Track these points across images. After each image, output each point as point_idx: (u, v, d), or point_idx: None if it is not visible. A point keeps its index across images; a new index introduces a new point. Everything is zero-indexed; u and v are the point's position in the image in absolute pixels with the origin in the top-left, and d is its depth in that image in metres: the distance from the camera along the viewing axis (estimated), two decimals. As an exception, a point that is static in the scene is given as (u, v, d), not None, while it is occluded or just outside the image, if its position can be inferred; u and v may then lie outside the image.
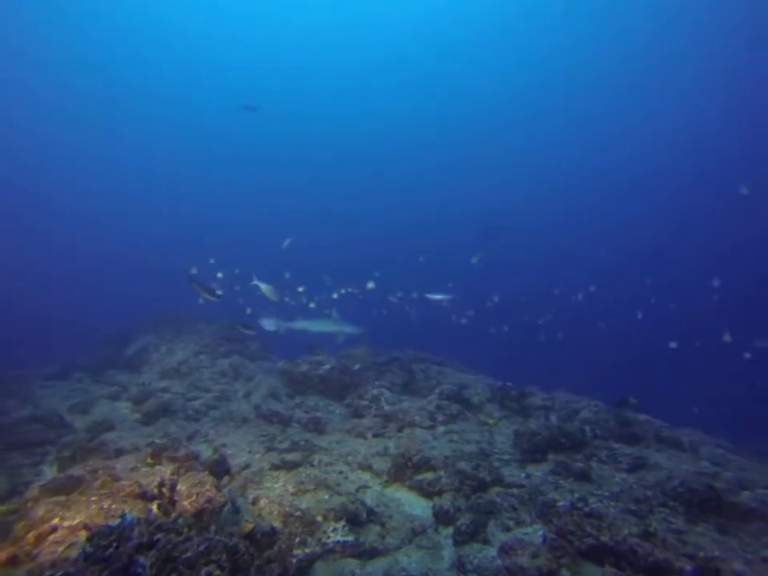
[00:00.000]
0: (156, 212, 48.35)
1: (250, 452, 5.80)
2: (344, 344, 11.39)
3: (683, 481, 5.05)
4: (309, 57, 44.29)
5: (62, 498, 3.95)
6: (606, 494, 5.06)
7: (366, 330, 11.28)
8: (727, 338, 8.52)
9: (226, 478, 4.85)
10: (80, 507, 3.62)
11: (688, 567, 3.28)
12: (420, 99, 46.15)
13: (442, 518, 4.82)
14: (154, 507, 3.51)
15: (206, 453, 5.52)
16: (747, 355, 10.02)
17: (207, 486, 3.61)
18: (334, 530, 3.89)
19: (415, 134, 48.36)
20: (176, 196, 50.38)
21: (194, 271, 9.99)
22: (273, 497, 4.29)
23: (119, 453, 5.93)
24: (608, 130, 42.16)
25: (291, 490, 4.43)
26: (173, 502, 3.56)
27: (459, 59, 41.64)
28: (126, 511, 3.45)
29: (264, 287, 7.76)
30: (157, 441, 6.04)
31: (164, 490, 3.67)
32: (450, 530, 4.62)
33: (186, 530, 2.66)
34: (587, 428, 7.13)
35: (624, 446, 6.32)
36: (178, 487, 3.71)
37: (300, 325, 11.40)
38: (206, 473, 4.00)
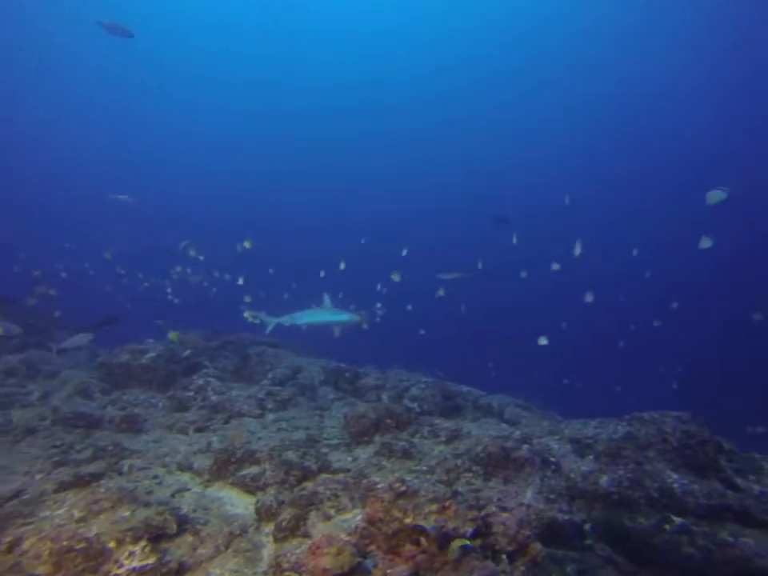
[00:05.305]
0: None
1: (27, 473, 4.76)
2: (345, 335, 9.76)
3: (485, 446, 5.70)
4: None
5: None
6: (424, 468, 5.46)
7: (368, 316, 9.79)
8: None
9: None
10: None
11: (469, 529, 3.65)
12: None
13: (265, 514, 4.66)
14: None
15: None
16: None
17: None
18: (131, 554, 3.41)
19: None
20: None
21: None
22: (47, 530, 3.53)
23: None
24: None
25: (78, 514, 3.75)
26: None
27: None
28: None
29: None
30: None
31: None
32: (272, 526, 4.51)
33: None
34: (415, 405, 7.68)
35: (444, 420, 6.91)
36: None
37: (288, 318, 9.74)
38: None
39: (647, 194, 39.20)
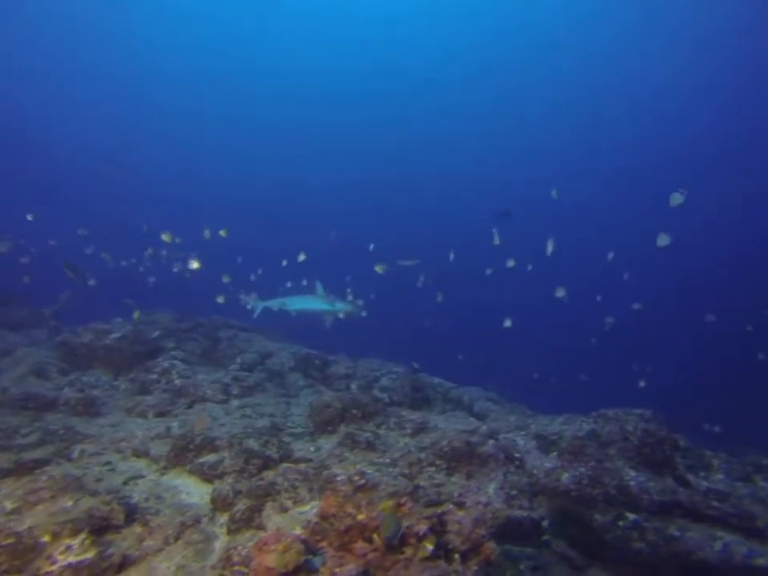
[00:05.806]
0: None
1: (-41, 461, 4.51)
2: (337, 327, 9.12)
3: (450, 440, 5.65)
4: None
5: None
6: (387, 461, 5.38)
7: (367, 307, 9.22)
8: None
9: None
10: None
11: (424, 527, 3.57)
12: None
13: (220, 504, 4.54)
14: None
15: None
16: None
17: None
18: (67, 548, 3.23)
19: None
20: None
21: None
22: (-30, 525, 3.35)
23: None
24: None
25: (10, 506, 3.54)
26: None
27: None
28: None
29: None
30: None
31: None
32: (227, 517, 4.39)
33: None
34: (385, 395, 7.59)
35: (411, 412, 6.83)
36: None
37: (277, 303, 9.20)
38: None
39: (647, 193, 39.59)
